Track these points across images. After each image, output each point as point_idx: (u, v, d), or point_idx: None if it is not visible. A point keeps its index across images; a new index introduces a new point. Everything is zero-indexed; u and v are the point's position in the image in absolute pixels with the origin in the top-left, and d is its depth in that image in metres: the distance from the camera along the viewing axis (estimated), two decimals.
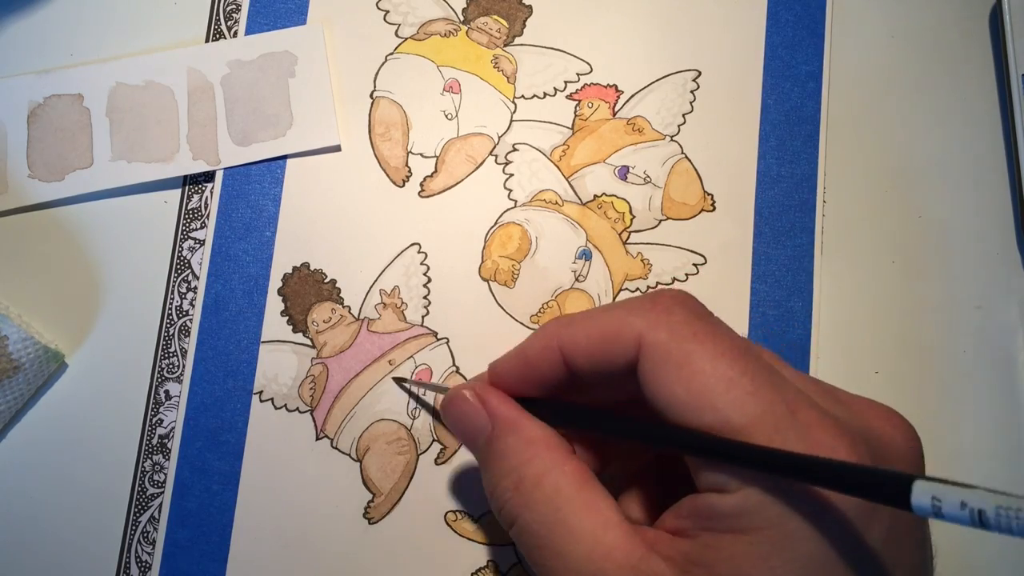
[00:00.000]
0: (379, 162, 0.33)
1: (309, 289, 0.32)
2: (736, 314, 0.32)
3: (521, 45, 0.34)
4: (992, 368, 0.32)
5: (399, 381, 0.31)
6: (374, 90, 0.34)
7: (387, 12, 0.34)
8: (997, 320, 0.33)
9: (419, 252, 0.32)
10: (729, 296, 0.32)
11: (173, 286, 0.32)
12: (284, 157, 0.33)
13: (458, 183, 0.33)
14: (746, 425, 0.19)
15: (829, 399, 0.21)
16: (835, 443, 0.19)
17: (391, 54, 0.34)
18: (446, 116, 0.33)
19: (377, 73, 0.34)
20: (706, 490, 0.20)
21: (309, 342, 0.32)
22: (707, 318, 0.22)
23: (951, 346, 0.32)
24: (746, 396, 0.19)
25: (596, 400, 0.25)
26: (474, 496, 0.30)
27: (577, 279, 0.32)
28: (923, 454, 0.21)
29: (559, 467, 0.22)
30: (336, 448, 0.31)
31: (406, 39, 0.34)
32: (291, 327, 0.32)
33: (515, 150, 0.33)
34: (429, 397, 0.31)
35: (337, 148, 0.33)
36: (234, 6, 0.34)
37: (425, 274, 0.32)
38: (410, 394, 0.31)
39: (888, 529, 0.19)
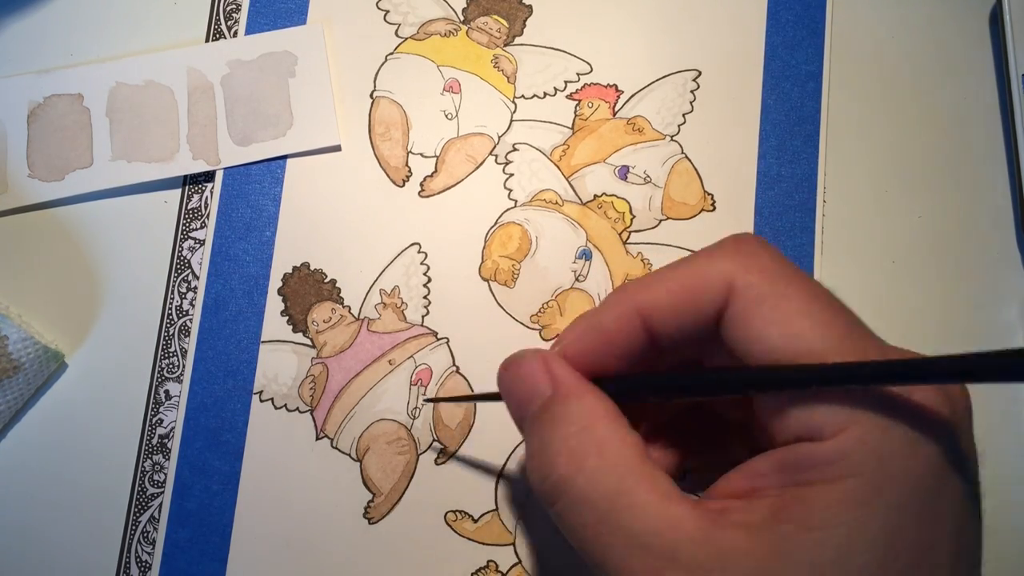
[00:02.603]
0: (379, 162, 0.33)
1: (309, 289, 0.32)
2: None
3: (521, 45, 0.34)
4: None
5: (431, 401, 0.31)
6: (374, 90, 0.34)
7: (387, 12, 0.34)
8: (997, 320, 0.33)
9: (419, 252, 0.32)
10: None
11: (173, 286, 0.32)
12: (284, 157, 0.33)
13: (458, 183, 0.33)
14: None
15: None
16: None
17: (391, 54, 0.34)
18: (446, 116, 0.33)
19: (377, 73, 0.34)
20: (793, 439, 0.19)
21: (309, 342, 0.32)
22: (790, 261, 0.21)
23: (951, 346, 0.32)
24: (842, 338, 0.19)
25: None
26: (474, 496, 0.30)
27: (577, 279, 0.32)
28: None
29: (622, 438, 0.21)
30: (336, 448, 0.31)
31: (406, 39, 0.34)
32: (291, 327, 0.32)
33: (515, 150, 0.33)
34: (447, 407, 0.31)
35: (337, 148, 0.33)
36: (234, 6, 0.34)
37: (425, 274, 0.32)
38: (449, 400, 0.31)
39: (972, 477, 0.19)
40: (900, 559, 0.18)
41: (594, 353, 0.22)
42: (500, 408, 0.31)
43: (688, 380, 0.22)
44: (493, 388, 0.31)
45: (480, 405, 0.31)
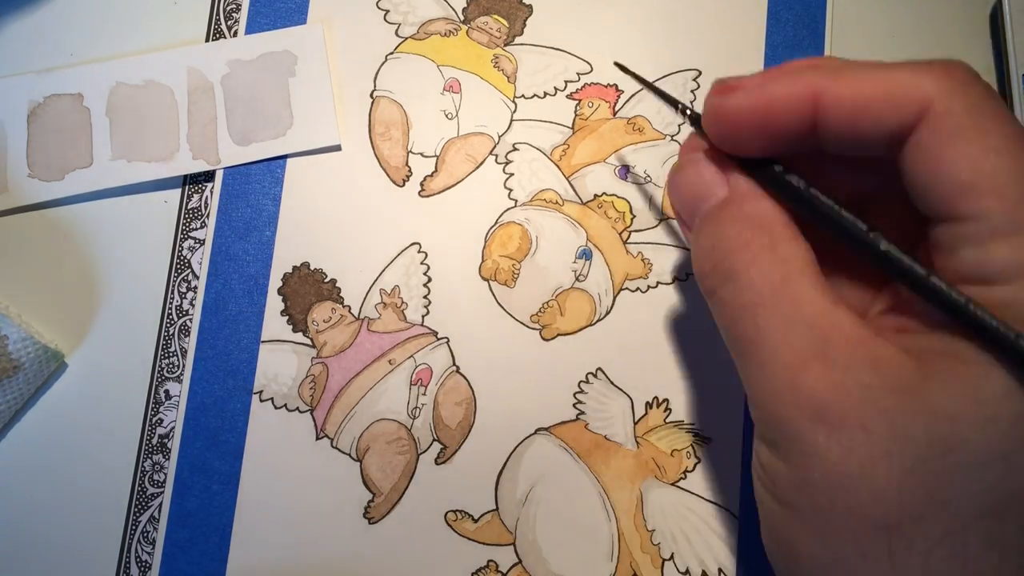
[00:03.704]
0: (379, 162, 0.33)
1: (309, 289, 0.32)
2: None
3: (521, 44, 0.34)
4: None
5: (620, 66, 0.29)
6: (374, 90, 0.34)
7: (387, 12, 0.34)
8: None
9: (419, 252, 0.32)
10: None
11: (173, 286, 0.32)
12: (284, 157, 0.33)
13: (458, 183, 0.33)
14: None
15: None
16: None
17: (391, 54, 0.34)
18: (446, 116, 0.33)
19: (377, 73, 0.34)
20: (962, 281, 0.18)
21: (309, 342, 0.32)
22: (999, 98, 0.19)
23: None
24: None
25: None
26: (474, 496, 0.30)
27: (577, 278, 0.32)
28: None
29: (793, 240, 0.20)
30: (336, 448, 0.31)
31: (406, 39, 0.34)
32: (291, 327, 0.32)
33: (515, 149, 0.33)
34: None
35: (337, 148, 0.33)
36: (234, 6, 0.34)
37: (425, 274, 0.32)
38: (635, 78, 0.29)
39: None
40: None
41: (751, 121, 0.21)
42: (500, 408, 0.31)
43: (861, 236, 0.20)
44: (494, 388, 0.31)
45: (481, 407, 0.31)
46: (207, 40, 0.34)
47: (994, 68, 0.34)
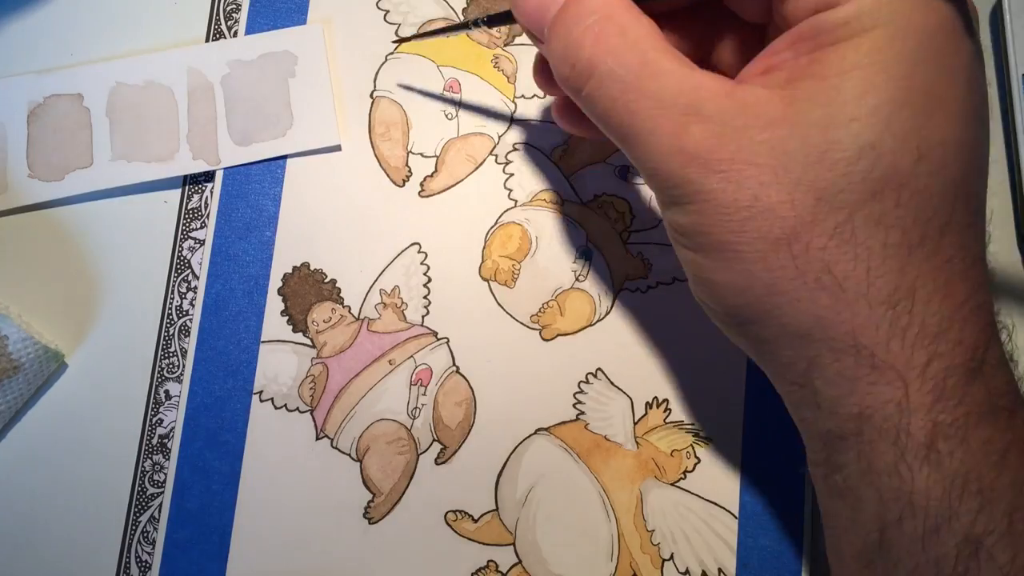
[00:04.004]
0: (379, 162, 0.33)
1: (309, 289, 0.32)
2: None
3: (521, 45, 0.34)
4: None
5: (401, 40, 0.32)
6: (374, 90, 0.34)
7: (387, 12, 0.34)
8: (997, 320, 0.33)
9: (419, 252, 0.32)
10: None
11: (173, 286, 0.32)
12: (284, 157, 0.33)
13: (458, 183, 0.33)
14: None
15: None
16: None
17: (391, 54, 0.34)
18: (446, 116, 0.33)
19: (377, 73, 0.34)
20: (811, 13, 0.20)
21: (309, 342, 0.32)
22: None
23: None
24: None
25: None
26: (474, 496, 0.30)
27: (577, 279, 0.32)
28: None
29: (639, 21, 0.22)
30: (336, 448, 0.31)
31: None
32: (291, 327, 0.32)
33: (515, 150, 0.33)
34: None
35: (337, 148, 0.33)
36: (234, 6, 0.34)
37: (425, 274, 0.32)
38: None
39: (978, 46, 0.21)
40: (912, 103, 0.19)
41: None
42: (500, 408, 0.31)
43: None
44: (494, 388, 0.31)
45: (481, 407, 0.31)
46: (207, 40, 0.34)
47: (994, 68, 0.34)
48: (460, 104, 0.34)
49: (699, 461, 0.31)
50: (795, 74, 0.20)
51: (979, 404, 0.20)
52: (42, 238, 0.33)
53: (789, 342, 0.21)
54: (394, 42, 0.33)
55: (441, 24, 0.34)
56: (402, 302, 0.32)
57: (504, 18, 0.27)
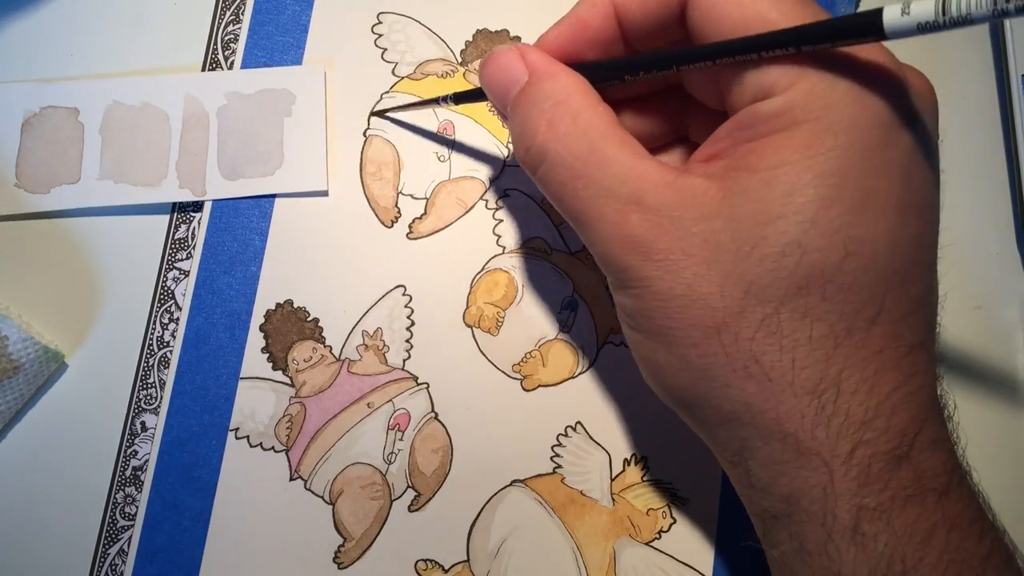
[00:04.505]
0: (369, 201, 0.33)
1: (291, 327, 0.32)
2: None
3: None
4: (992, 368, 0.32)
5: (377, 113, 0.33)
6: (367, 128, 0.33)
7: (385, 50, 0.34)
8: (997, 320, 0.33)
9: (404, 294, 0.32)
10: None
11: (155, 317, 0.32)
12: (270, 196, 0.33)
13: (447, 226, 0.33)
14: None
15: None
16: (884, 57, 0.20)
17: (386, 92, 0.34)
18: (438, 158, 0.33)
19: (372, 111, 0.34)
20: (749, 102, 0.21)
21: (288, 380, 0.31)
22: None
23: (951, 346, 0.32)
24: (794, 6, 0.20)
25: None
26: (445, 546, 0.30)
27: (562, 329, 0.32)
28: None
29: (592, 108, 0.23)
30: (309, 490, 0.30)
31: (403, 78, 0.34)
32: (271, 364, 0.31)
33: (506, 195, 0.33)
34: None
35: (324, 193, 0.33)
36: (232, 36, 0.34)
37: (409, 317, 0.32)
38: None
39: (926, 136, 0.21)
40: (844, 199, 0.20)
41: (570, 41, 0.25)
42: (477, 457, 0.31)
43: (649, 57, 0.23)
44: (472, 437, 0.31)
45: (458, 455, 0.31)
46: (204, 67, 0.34)
47: (994, 68, 0.34)
48: (453, 146, 0.33)
49: (675, 521, 0.30)
50: (733, 164, 0.21)
51: (905, 488, 0.20)
52: (42, 239, 0.32)
53: (723, 424, 0.22)
54: (371, 115, 0.33)
55: (439, 65, 0.34)
56: (384, 344, 0.32)
57: (471, 96, 0.28)
